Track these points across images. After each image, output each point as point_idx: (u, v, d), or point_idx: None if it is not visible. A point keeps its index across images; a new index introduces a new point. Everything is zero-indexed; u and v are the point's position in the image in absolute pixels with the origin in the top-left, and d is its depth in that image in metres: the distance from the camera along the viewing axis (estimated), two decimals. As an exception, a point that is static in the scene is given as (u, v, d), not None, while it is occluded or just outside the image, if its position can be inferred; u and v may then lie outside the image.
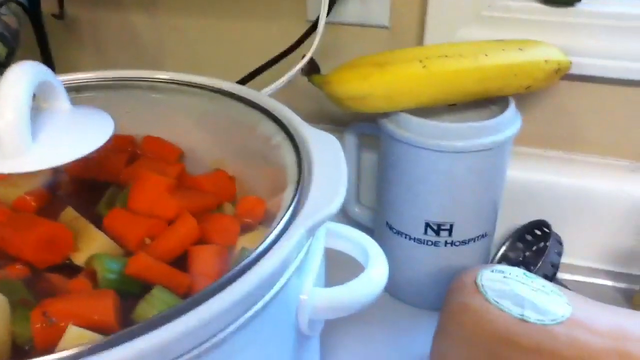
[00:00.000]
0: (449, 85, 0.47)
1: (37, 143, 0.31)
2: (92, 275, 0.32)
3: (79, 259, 0.34)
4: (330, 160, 0.35)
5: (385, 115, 0.48)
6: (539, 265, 0.51)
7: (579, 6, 0.54)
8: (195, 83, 0.44)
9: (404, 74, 0.46)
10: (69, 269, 0.34)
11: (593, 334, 0.38)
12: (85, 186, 0.40)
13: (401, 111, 0.47)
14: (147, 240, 0.35)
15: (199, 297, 0.25)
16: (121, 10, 0.66)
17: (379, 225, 0.54)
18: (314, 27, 0.54)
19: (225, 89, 0.43)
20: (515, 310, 0.39)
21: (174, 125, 0.45)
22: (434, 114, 0.49)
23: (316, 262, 0.33)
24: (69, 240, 0.34)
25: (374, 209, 0.57)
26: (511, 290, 0.40)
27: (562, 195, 0.57)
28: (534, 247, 0.57)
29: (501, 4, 0.55)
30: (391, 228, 0.52)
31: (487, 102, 0.50)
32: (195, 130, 0.45)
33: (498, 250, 0.58)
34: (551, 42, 0.51)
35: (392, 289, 0.54)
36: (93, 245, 0.34)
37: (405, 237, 0.51)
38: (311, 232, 0.30)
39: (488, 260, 0.56)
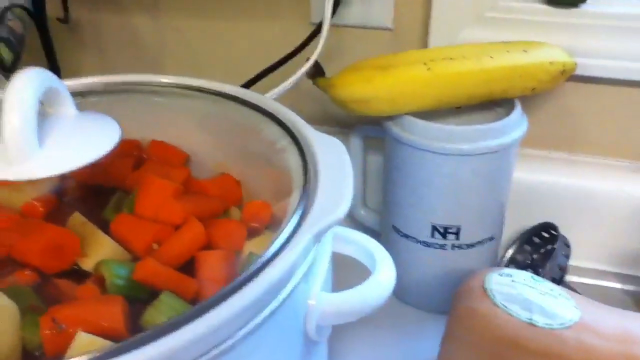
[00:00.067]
0: (453, 87, 0.47)
1: (43, 149, 0.31)
2: (100, 281, 0.32)
3: (87, 264, 0.34)
4: (336, 164, 0.35)
5: (390, 118, 0.48)
6: (546, 268, 0.51)
7: (583, 7, 0.54)
8: (199, 87, 0.44)
9: (408, 76, 0.46)
10: (77, 275, 0.34)
11: (601, 338, 0.38)
12: (92, 191, 0.41)
13: (406, 114, 0.47)
14: (155, 246, 0.35)
15: (208, 303, 0.25)
16: (124, 13, 0.66)
17: (385, 228, 0.54)
18: (318, 29, 0.54)
19: (230, 93, 0.43)
20: (524, 315, 0.39)
21: (179, 129, 0.45)
22: (439, 116, 0.49)
23: (323, 266, 0.33)
24: (77, 246, 0.34)
25: (380, 211, 0.57)
26: (519, 294, 0.40)
27: (569, 197, 0.57)
28: (541, 249, 0.57)
29: (505, 5, 0.55)
30: (397, 231, 0.52)
31: (493, 104, 0.50)
32: (199, 134, 0.45)
33: (505, 253, 0.57)
34: (555, 43, 0.51)
35: (399, 292, 0.54)
36: (101, 250, 0.34)
37: (412, 240, 0.51)
38: (318, 237, 0.30)
39: (495, 263, 0.55)
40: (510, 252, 0.58)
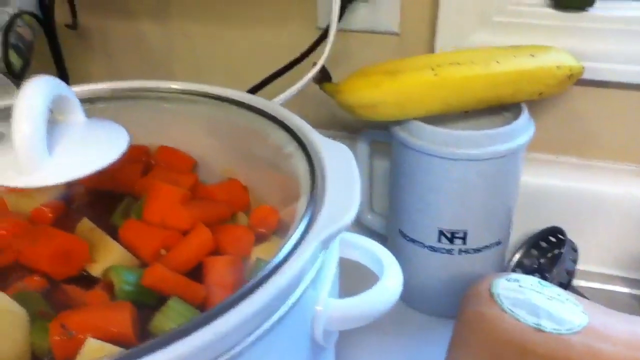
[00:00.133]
0: (460, 92, 0.47)
1: (53, 157, 0.31)
2: (109, 287, 0.32)
3: (96, 270, 0.34)
4: (343, 170, 0.35)
5: (398, 123, 0.48)
6: (554, 272, 0.51)
7: (590, 11, 0.54)
8: (207, 93, 0.44)
9: (416, 81, 0.46)
10: (86, 281, 0.34)
11: (609, 343, 0.37)
12: (101, 197, 0.41)
13: (413, 119, 0.47)
14: (163, 252, 0.35)
15: (216, 310, 0.25)
16: (132, 19, 0.67)
17: (392, 232, 0.54)
18: (324, 34, 0.54)
19: (237, 98, 0.43)
20: (531, 320, 0.39)
21: (186, 135, 0.45)
22: (446, 121, 0.49)
23: (331, 272, 0.33)
24: (85, 252, 0.34)
25: (387, 216, 0.57)
26: (526, 299, 0.40)
27: (576, 201, 0.57)
28: (548, 254, 0.56)
29: (512, 9, 0.55)
30: (404, 236, 0.52)
31: (500, 108, 0.50)
32: (207, 139, 0.46)
33: (512, 257, 0.57)
34: (563, 47, 0.51)
35: (406, 297, 0.53)
36: (109, 256, 0.34)
37: (419, 245, 0.51)
38: (326, 244, 0.30)
39: (502, 267, 0.55)
40: (517, 256, 0.57)
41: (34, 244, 0.34)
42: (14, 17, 0.56)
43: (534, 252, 0.58)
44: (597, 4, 0.54)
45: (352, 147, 0.38)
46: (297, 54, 0.56)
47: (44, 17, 0.61)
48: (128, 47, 0.69)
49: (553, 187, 0.57)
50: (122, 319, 0.29)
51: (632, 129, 0.56)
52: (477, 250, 0.50)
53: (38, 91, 0.30)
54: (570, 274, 0.51)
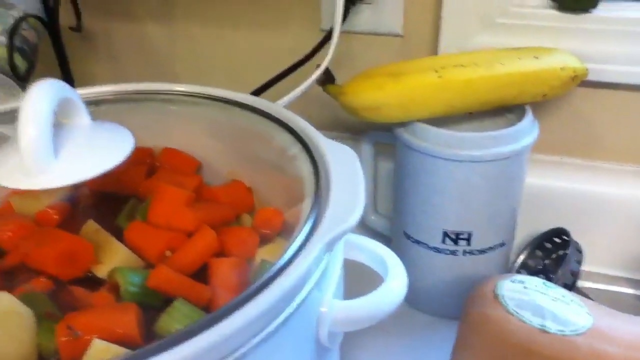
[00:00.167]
0: (464, 94, 0.47)
1: (59, 160, 0.31)
2: (115, 288, 0.33)
3: (101, 271, 0.34)
4: (347, 172, 0.35)
5: (402, 124, 0.48)
6: (558, 273, 0.51)
7: (594, 12, 0.54)
8: (210, 95, 0.45)
9: (419, 83, 0.46)
10: (92, 282, 0.34)
11: (614, 344, 0.37)
12: (106, 199, 0.41)
13: (417, 121, 0.47)
14: (168, 253, 0.35)
15: (222, 312, 0.25)
16: (136, 22, 0.67)
17: (397, 234, 0.54)
18: (328, 36, 0.54)
19: (241, 100, 0.43)
20: (536, 321, 0.39)
21: (190, 137, 0.45)
22: (450, 123, 0.49)
23: (335, 274, 0.33)
24: (91, 254, 0.35)
25: (391, 217, 0.57)
26: (531, 300, 0.40)
27: (580, 202, 0.57)
28: (553, 255, 0.56)
29: (516, 11, 0.55)
30: (409, 237, 0.52)
31: (504, 110, 0.50)
32: (211, 141, 0.46)
33: (517, 258, 0.57)
34: (567, 49, 0.51)
35: (410, 298, 0.53)
36: (114, 258, 0.35)
37: (423, 246, 0.51)
38: (330, 246, 0.30)
39: (507, 269, 0.55)
40: (521, 257, 0.57)
41: (40, 246, 0.35)
42: (19, 20, 0.56)
43: (539, 253, 0.57)
44: (600, 6, 0.54)
45: (356, 149, 0.38)
46: (300, 56, 0.56)
47: (49, 20, 0.61)
48: (132, 50, 0.69)
49: (557, 188, 0.57)
50: (128, 320, 0.30)
51: (637, 130, 0.56)
52: (482, 252, 0.50)
53: (44, 95, 0.31)
54: (575, 275, 0.51)
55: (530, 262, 0.57)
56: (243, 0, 0.62)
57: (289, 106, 0.43)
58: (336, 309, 0.32)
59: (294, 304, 0.28)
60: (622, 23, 0.53)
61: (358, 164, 0.35)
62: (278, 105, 0.43)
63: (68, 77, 0.66)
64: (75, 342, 0.28)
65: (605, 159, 0.58)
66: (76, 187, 0.40)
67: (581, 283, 0.56)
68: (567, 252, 0.52)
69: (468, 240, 0.49)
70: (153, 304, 0.32)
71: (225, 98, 0.44)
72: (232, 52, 0.65)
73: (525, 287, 0.41)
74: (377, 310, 0.32)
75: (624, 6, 0.54)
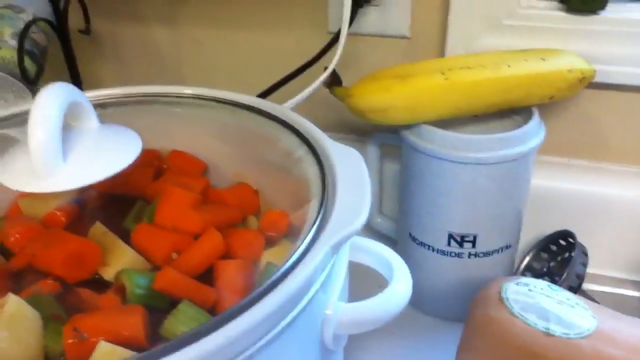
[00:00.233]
0: (471, 96, 0.47)
1: (68, 163, 0.32)
2: (121, 290, 0.33)
3: (108, 273, 0.35)
4: (353, 175, 0.35)
5: (408, 126, 0.48)
6: (564, 276, 0.51)
7: (602, 14, 0.53)
8: (217, 97, 0.45)
9: (426, 85, 0.46)
10: (98, 284, 0.34)
11: (619, 347, 0.37)
12: (113, 201, 0.41)
13: (424, 123, 0.47)
14: (174, 255, 0.35)
15: (228, 314, 0.25)
16: (143, 25, 0.67)
17: (402, 236, 0.54)
18: (335, 38, 0.54)
19: (247, 103, 0.44)
20: (540, 324, 0.39)
21: (197, 139, 0.46)
22: (457, 125, 0.49)
23: (340, 276, 0.33)
24: (98, 256, 0.35)
25: (396, 219, 0.57)
26: (536, 303, 0.40)
27: (586, 204, 0.56)
28: (558, 257, 0.56)
29: (522, 12, 0.55)
30: (414, 239, 0.52)
31: (510, 112, 0.50)
32: (217, 143, 0.46)
33: (522, 260, 0.57)
34: (574, 50, 0.51)
35: (415, 300, 0.53)
36: (121, 260, 0.35)
37: (428, 249, 0.51)
38: (336, 248, 0.30)
39: (512, 271, 0.55)
40: (527, 259, 0.57)
41: (48, 248, 0.35)
42: (29, 24, 0.57)
43: (544, 255, 0.57)
44: (608, 7, 0.53)
45: (362, 151, 0.38)
46: (307, 58, 0.56)
47: (58, 23, 0.61)
48: (139, 52, 0.70)
49: (564, 190, 0.57)
50: (134, 322, 0.30)
51: (644, 132, 0.56)
52: (487, 254, 0.50)
53: (53, 98, 0.31)
54: (580, 277, 0.51)
55: (536, 265, 0.57)
56: (250, 2, 0.62)
57: (295, 108, 0.43)
58: (341, 311, 0.32)
59: (300, 307, 0.28)
60: (630, 24, 0.52)
61: (364, 167, 0.35)
62: (284, 107, 0.43)
63: (76, 80, 0.66)
64: (82, 344, 0.29)
65: (612, 160, 0.58)
66: (83, 190, 0.40)
67: (586, 285, 0.56)
68: (573, 254, 0.52)
69: (473, 242, 0.49)
70: (159, 306, 0.32)
71: (231, 100, 0.44)
72: (239, 55, 0.65)
73: (530, 290, 0.41)
74: (382, 313, 0.32)
75: (632, 7, 0.54)
